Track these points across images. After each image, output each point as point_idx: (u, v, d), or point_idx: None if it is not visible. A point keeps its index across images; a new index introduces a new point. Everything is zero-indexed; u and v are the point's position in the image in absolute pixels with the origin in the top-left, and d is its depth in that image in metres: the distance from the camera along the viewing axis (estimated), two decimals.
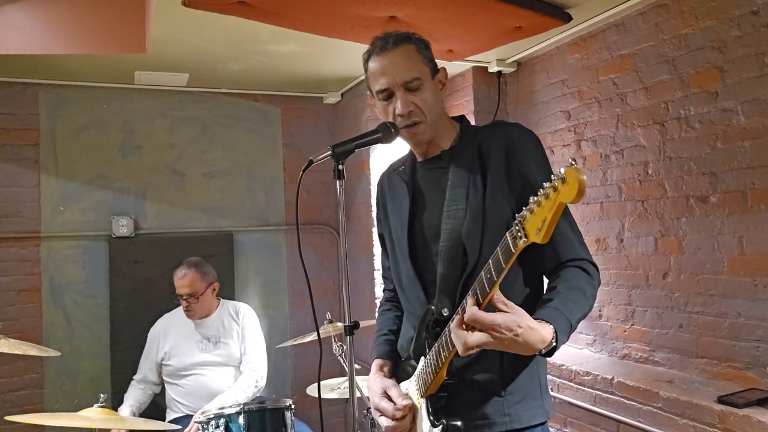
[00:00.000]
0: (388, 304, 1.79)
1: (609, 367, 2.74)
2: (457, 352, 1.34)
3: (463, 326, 1.21)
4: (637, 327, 2.78)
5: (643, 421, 2.41)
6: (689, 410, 2.22)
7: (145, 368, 3.19)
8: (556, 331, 1.20)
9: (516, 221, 1.08)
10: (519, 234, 1.07)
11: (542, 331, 1.18)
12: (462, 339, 1.21)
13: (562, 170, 0.97)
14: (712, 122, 2.41)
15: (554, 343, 1.20)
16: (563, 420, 2.85)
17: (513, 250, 1.10)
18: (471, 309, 1.17)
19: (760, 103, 2.24)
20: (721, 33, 2.37)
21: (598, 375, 2.66)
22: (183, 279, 3.07)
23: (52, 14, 2.55)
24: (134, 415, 3.03)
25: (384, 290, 1.84)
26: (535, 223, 1.03)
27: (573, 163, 0.96)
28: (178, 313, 3.20)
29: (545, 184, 1.00)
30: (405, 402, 1.47)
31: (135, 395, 3.13)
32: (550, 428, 1.50)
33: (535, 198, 1.03)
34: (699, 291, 2.49)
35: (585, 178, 0.95)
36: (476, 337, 1.18)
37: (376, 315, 1.84)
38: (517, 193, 1.39)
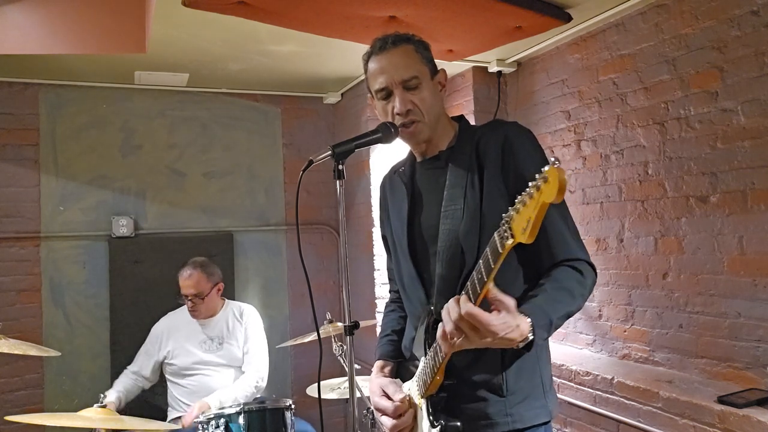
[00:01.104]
0: (393, 305, 1.79)
1: (609, 367, 2.74)
2: (459, 351, 1.33)
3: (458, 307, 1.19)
4: (637, 327, 2.78)
5: (643, 421, 2.41)
6: (689, 410, 2.22)
7: (142, 362, 3.18)
8: (533, 326, 1.20)
9: (503, 221, 1.08)
10: (506, 234, 1.07)
11: (522, 326, 1.19)
12: (449, 308, 1.19)
13: (545, 169, 0.97)
14: (712, 122, 2.42)
15: (530, 336, 1.20)
16: (563, 420, 2.85)
17: (500, 251, 1.10)
18: (466, 305, 1.16)
19: (760, 103, 2.24)
20: (721, 33, 2.37)
21: (598, 375, 2.66)
22: (189, 279, 3.07)
23: (52, 14, 2.55)
24: (120, 402, 3.02)
25: (389, 291, 1.85)
26: (520, 222, 1.03)
27: (556, 162, 0.97)
28: (182, 312, 3.19)
29: (530, 184, 1.01)
30: (401, 396, 1.47)
31: (124, 383, 3.12)
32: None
33: (521, 197, 1.03)
34: (699, 291, 2.49)
35: (566, 177, 0.96)
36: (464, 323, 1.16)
37: (381, 316, 1.85)
38: (513, 192, 1.38)
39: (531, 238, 1.02)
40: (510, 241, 1.06)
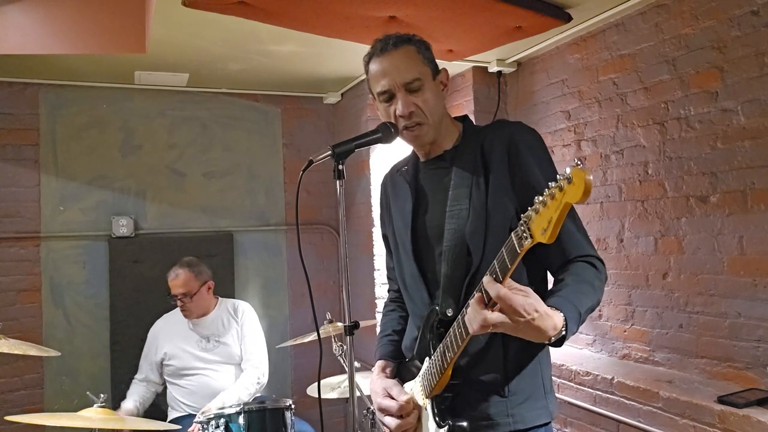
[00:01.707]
0: (393, 304, 1.78)
1: (609, 367, 2.74)
2: (462, 352, 1.34)
3: (484, 305, 1.19)
4: (637, 327, 2.78)
5: (643, 421, 2.41)
6: (689, 410, 2.22)
7: (146, 368, 3.19)
8: (566, 319, 1.19)
9: (521, 221, 1.07)
10: (524, 234, 1.06)
11: (554, 318, 1.17)
12: (482, 316, 1.17)
13: (568, 170, 0.96)
14: (712, 122, 2.42)
15: (564, 332, 1.19)
16: (563, 420, 2.85)
17: (518, 251, 1.09)
18: (495, 285, 1.14)
19: (760, 103, 2.24)
20: (721, 33, 2.37)
21: (598, 375, 2.66)
22: (176, 279, 3.08)
23: (52, 14, 2.55)
24: (138, 410, 3.04)
25: (389, 291, 1.84)
26: (540, 223, 1.02)
27: (579, 163, 0.96)
28: (177, 313, 3.19)
29: (551, 184, 1.00)
30: (406, 397, 1.47)
31: (139, 392, 3.13)
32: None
33: (541, 198, 1.02)
34: (699, 291, 2.49)
35: (591, 178, 0.95)
36: (496, 316, 1.15)
37: (381, 316, 1.84)
38: (520, 192, 1.39)
39: (551, 239, 1.02)
40: (528, 242, 1.06)
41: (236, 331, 3.19)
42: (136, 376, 3.21)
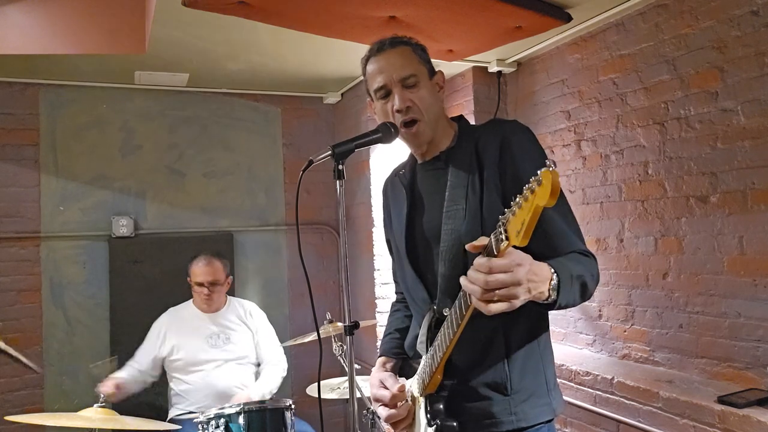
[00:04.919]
0: (398, 305, 1.82)
1: (609, 367, 2.74)
2: (464, 351, 1.34)
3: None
4: (637, 327, 2.78)
5: (643, 421, 2.41)
6: (689, 410, 2.22)
7: (142, 359, 3.13)
8: (553, 267, 1.19)
9: (499, 223, 1.08)
10: (501, 236, 1.06)
11: (543, 271, 1.17)
12: (486, 266, 1.11)
13: (540, 172, 0.97)
14: (712, 122, 2.42)
15: (554, 279, 1.18)
16: (563, 420, 2.85)
17: (496, 253, 1.09)
18: (481, 262, 1.11)
19: (760, 103, 2.24)
20: (721, 33, 2.37)
21: (598, 375, 2.66)
22: (208, 266, 3.10)
23: (52, 14, 2.56)
24: (126, 383, 2.98)
25: (396, 292, 1.87)
26: (515, 225, 1.02)
27: (551, 165, 0.96)
28: (185, 308, 3.20)
29: (525, 187, 1.01)
30: (398, 385, 1.48)
31: (128, 371, 3.07)
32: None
33: (516, 200, 1.03)
34: (699, 291, 2.49)
35: (559, 180, 0.95)
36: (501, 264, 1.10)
37: (381, 316, 1.86)
38: (509, 190, 1.38)
39: (525, 241, 1.02)
40: (505, 244, 1.06)
41: (245, 331, 3.21)
42: (129, 362, 3.16)
